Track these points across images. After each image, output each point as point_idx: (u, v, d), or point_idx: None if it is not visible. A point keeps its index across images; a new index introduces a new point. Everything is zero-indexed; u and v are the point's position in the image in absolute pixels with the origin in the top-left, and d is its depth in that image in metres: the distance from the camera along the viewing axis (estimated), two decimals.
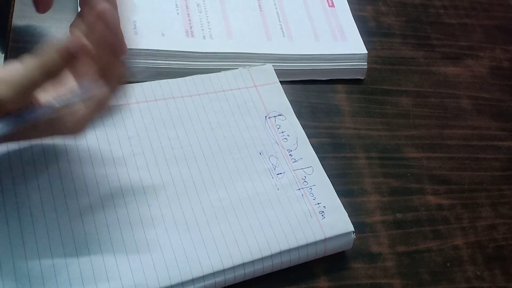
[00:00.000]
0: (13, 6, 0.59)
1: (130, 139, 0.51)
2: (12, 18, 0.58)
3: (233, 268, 0.46)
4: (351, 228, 0.50)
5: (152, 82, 0.55)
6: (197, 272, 0.44)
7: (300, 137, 0.56)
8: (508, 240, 0.57)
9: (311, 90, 0.63)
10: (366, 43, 0.66)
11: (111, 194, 0.47)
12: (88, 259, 0.43)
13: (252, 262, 0.46)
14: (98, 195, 0.47)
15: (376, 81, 0.66)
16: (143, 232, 0.46)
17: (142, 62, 0.56)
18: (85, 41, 0.37)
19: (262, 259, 0.47)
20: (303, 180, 0.52)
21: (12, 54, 0.55)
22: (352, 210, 0.54)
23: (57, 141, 0.48)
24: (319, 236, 0.49)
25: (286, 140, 0.55)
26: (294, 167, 0.53)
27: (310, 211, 0.50)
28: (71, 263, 0.43)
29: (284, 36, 0.64)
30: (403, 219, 0.55)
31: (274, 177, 0.52)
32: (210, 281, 0.45)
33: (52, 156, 0.48)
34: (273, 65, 0.60)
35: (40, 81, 0.34)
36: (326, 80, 0.64)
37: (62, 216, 0.45)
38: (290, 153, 0.54)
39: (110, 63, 0.38)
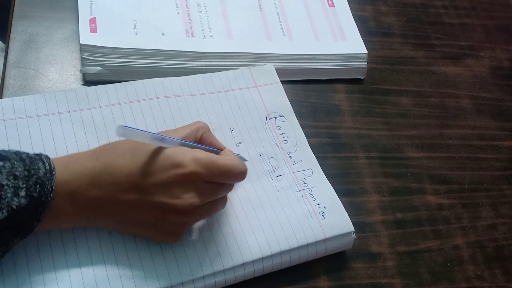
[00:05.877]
0: (13, 6, 0.59)
1: None
2: (12, 17, 0.58)
3: (233, 268, 0.46)
4: (351, 228, 0.50)
5: (154, 79, 0.54)
6: (197, 272, 0.44)
7: (300, 139, 0.55)
8: (508, 240, 0.57)
9: (311, 90, 0.63)
10: (366, 43, 0.66)
11: None
12: (89, 260, 0.43)
13: (252, 262, 0.46)
14: None
15: (376, 81, 0.66)
16: None
17: (142, 62, 0.56)
18: None
19: (262, 259, 0.47)
20: (303, 182, 0.52)
21: (12, 53, 0.55)
22: (352, 210, 0.54)
23: None
24: (319, 236, 0.49)
25: (286, 142, 0.55)
26: (294, 169, 0.53)
27: (310, 212, 0.50)
28: (72, 265, 0.43)
29: (284, 36, 0.64)
30: (403, 219, 0.55)
31: (274, 179, 0.52)
32: (210, 281, 0.45)
33: None
34: (273, 65, 0.60)
35: None
36: (326, 80, 0.64)
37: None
38: (289, 155, 0.54)
39: None
